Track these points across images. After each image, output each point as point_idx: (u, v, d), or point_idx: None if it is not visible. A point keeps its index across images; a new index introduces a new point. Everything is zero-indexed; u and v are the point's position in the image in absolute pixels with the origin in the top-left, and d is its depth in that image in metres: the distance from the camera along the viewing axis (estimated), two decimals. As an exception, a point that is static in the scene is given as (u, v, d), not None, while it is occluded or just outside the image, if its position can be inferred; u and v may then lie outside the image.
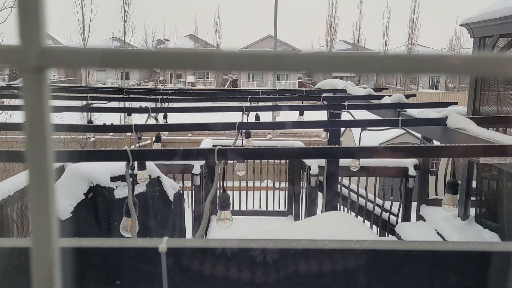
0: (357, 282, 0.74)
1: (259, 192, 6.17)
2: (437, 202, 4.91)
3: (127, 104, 4.57)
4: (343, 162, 4.84)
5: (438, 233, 4.56)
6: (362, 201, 5.44)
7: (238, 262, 0.74)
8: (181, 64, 0.26)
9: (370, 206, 5.47)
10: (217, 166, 1.40)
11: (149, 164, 3.34)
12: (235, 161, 3.10)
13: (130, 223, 1.53)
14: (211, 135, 12.72)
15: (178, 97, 3.85)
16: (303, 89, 4.63)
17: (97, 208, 3.37)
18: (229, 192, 5.96)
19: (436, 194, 5.39)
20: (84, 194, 3.33)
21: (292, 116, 3.78)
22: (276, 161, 6.99)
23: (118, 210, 3.29)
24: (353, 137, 10.69)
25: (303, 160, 5.39)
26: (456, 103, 3.46)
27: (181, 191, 4.21)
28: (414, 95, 4.45)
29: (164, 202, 3.77)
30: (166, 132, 5.10)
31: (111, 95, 4.06)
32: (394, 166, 5.20)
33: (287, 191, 5.98)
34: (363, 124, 2.57)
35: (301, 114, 3.86)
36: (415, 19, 39.71)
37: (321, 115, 4.65)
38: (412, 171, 5.15)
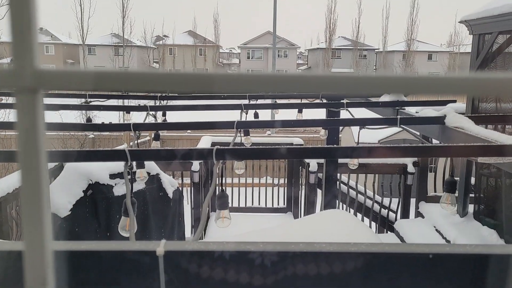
0: (355, 285, 0.74)
1: (258, 189, 6.17)
2: (436, 199, 4.92)
3: (126, 102, 4.57)
4: (342, 159, 4.84)
5: (436, 230, 4.58)
6: (361, 198, 5.44)
7: (236, 265, 0.74)
8: (176, 85, 0.25)
9: (369, 203, 5.48)
10: (215, 166, 1.40)
11: (148, 161, 3.34)
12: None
13: (129, 223, 1.53)
14: (210, 132, 12.70)
15: (177, 95, 3.85)
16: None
17: (96, 206, 3.37)
18: (228, 189, 5.94)
19: (435, 191, 5.40)
20: (83, 191, 3.33)
21: (291, 114, 3.78)
22: (275, 158, 6.96)
23: (117, 207, 3.30)
24: (352, 134, 10.68)
25: (302, 157, 5.40)
26: (455, 101, 3.46)
27: (180, 188, 4.21)
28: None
29: (163, 199, 3.78)
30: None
31: (109, 93, 4.05)
32: (393, 163, 5.21)
33: (286, 188, 5.98)
34: (362, 123, 2.56)
35: (300, 112, 3.85)
36: (415, 15, 39.73)
37: (320, 113, 4.64)
38: (411, 168, 5.16)
